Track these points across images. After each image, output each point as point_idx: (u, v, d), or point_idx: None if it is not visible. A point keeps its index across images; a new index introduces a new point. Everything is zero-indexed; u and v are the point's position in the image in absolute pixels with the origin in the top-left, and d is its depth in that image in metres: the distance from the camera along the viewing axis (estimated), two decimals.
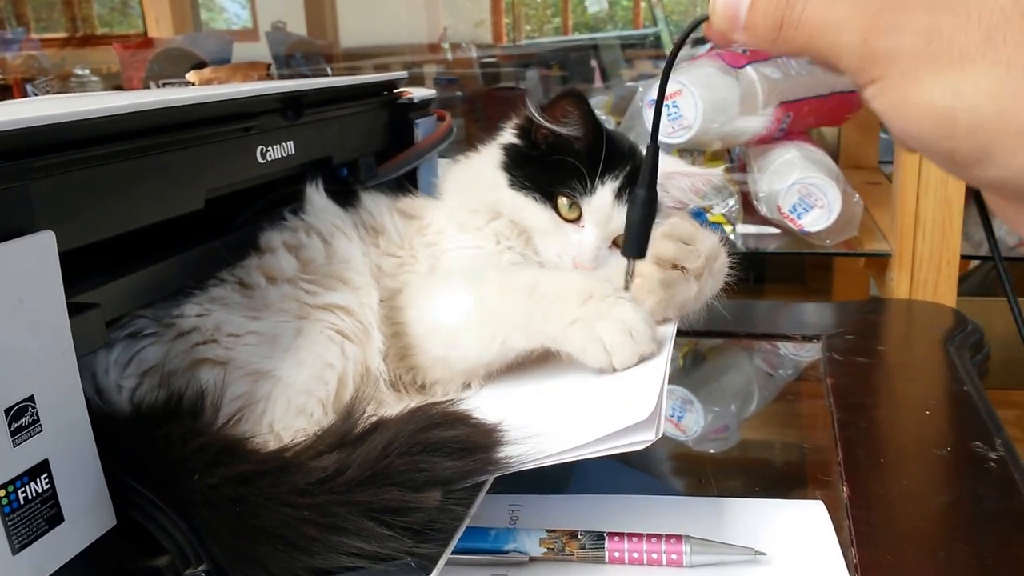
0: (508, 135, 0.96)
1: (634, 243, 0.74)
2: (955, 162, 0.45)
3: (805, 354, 1.12)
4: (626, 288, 0.77)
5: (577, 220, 0.89)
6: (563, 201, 0.89)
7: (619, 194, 0.88)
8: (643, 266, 0.80)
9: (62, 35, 3.75)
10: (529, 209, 0.90)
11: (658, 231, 0.79)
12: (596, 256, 0.88)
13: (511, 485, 0.65)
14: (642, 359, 0.73)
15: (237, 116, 0.79)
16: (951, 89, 0.43)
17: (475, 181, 0.95)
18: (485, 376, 0.82)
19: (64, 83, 2.69)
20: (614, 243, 0.90)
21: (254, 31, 3.57)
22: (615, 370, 0.73)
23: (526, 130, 0.94)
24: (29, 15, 3.78)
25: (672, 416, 1.01)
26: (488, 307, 0.79)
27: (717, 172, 0.94)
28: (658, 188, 0.87)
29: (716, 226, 1.41)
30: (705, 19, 0.53)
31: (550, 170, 0.89)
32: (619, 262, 0.85)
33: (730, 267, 0.85)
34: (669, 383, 1.07)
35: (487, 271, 0.84)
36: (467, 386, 0.83)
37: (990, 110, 0.42)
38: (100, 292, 0.64)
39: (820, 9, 0.47)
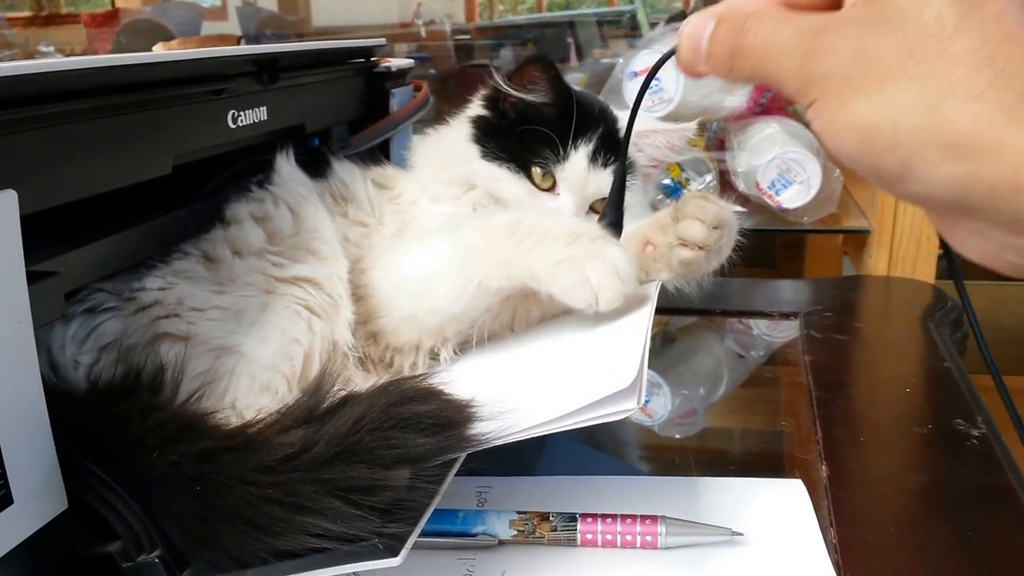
0: (476, 107, 0.95)
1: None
2: (882, 179, 0.46)
3: (782, 332, 1.11)
4: None
5: (552, 189, 0.88)
6: (536, 170, 0.87)
7: (593, 158, 0.87)
8: (663, 239, 0.80)
9: (27, 14, 3.70)
10: (503, 180, 0.88)
11: (688, 206, 0.79)
12: None
13: (479, 467, 0.63)
14: (625, 300, 0.71)
15: (209, 78, 0.77)
16: (874, 107, 0.44)
17: (447, 154, 0.93)
18: (455, 335, 0.80)
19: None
20: (591, 209, 0.89)
21: (223, 9, 3.54)
22: (598, 312, 0.71)
23: (494, 100, 0.92)
24: None
25: None
26: (464, 248, 0.77)
27: (691, 126, 0.92)
28: (632, 147, 0.88)
29: None
30: (674, 53, 0.55)
31: (521, 139, 0.88)
32: None
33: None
34: None
35: (459, 221, 0.82)
36: (435, 357, 0.81)
37: (908, 124, 0.43)
38: (60, 261, 0.61)
39: (766, 36, 0.49)
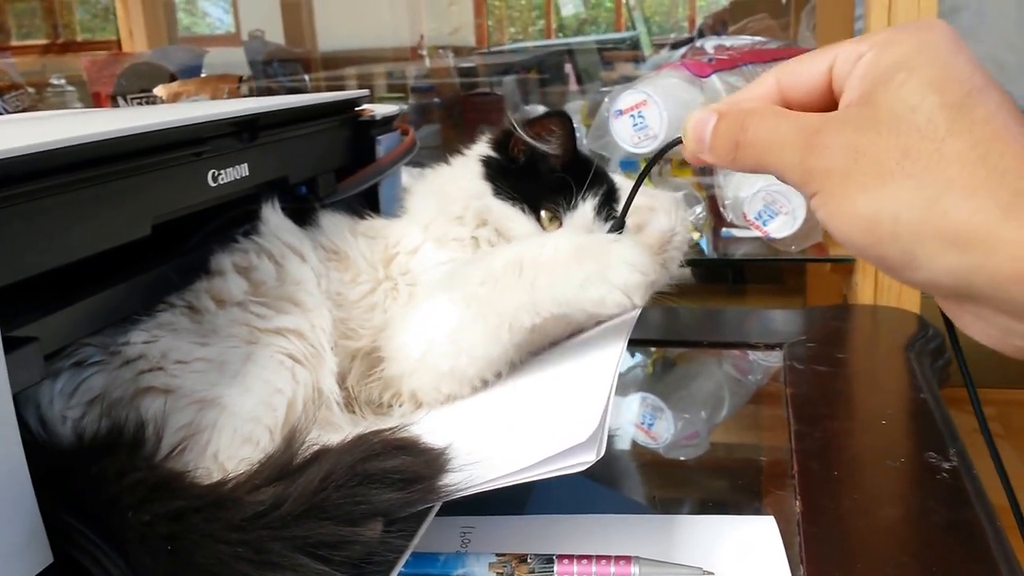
0: (483, 147, 0.97)
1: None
2: (888, 266, 0.50)
3: (767, 363, 1.13)
4: None
5: None
6: (545, 214, 0.91)
7: (598, 211, 0.91)
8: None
9: (43, 42, 3.75)
10: (516, 219, 0.91)
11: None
12: None
13: (465, 506, 0.65)
14: (654, 287, 0.79)
15: (186, 142, 0.78)
16: (874, 200, 0.48)
17: (455, 190, 0.95)
18: (494, 376, 0.82)
19: (40, 92, 2.68)
20: None
21: (237, 36, 3.59)
22: (635, 307, 0.76)
23: (503, 144, 0.95)
24: (11, 22, 3.78)
25: (643, 423, 1.01)
26: (478, 300, 0.79)
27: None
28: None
29: None
30: (679, 141, 0.61)
31: (534, 183, 0.91)
32: None
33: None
34: (639, 391, 1.08)
35: (457, 272, 0.85)
36: (419, 405, 0.83)
37: (907, 218, 0.47)
38: (39, 325, 0.62)
39: (766, 132, 0.54)
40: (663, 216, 0.88)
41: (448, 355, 0.80)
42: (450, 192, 0.95)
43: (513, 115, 0.94)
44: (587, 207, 0.90)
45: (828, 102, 0.55)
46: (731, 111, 0.57)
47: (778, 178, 0.55)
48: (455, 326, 0.80)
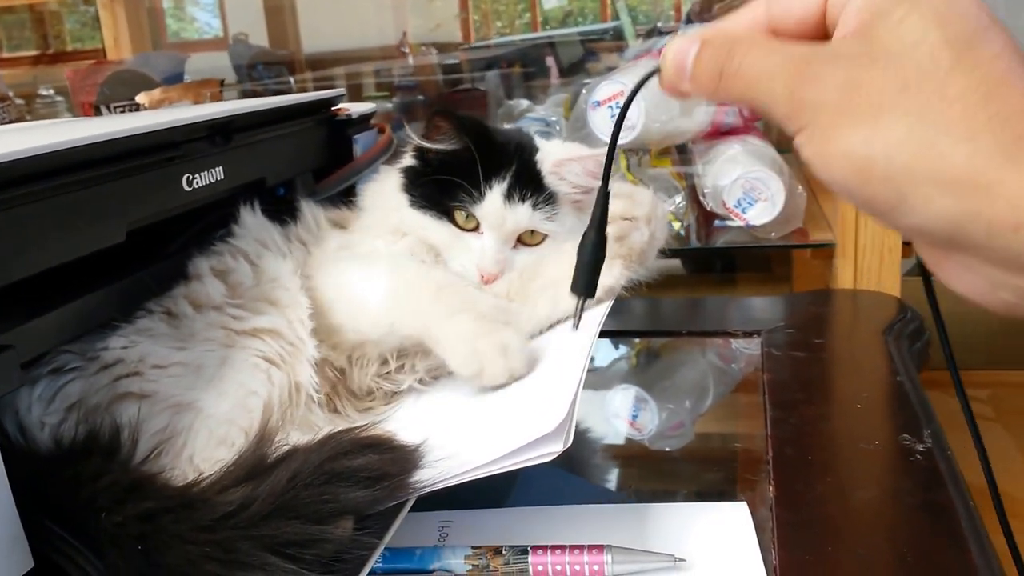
0: (408, 157, 0.97)
1: (582, 282, 0.71)
2: (875, 209, 0.47)
3: (755, 348, 1.13)
4: (575, 327, 0.74)
5: (476, 228, 0.90)
6: (459, 213, 0.90)
7: (509, 195, 0.89)
8: None
9: (33, 53, 3.75)
10: (430, 227, 0.91)
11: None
12: (498, 259, 0.89)
13: (445, 499, 0.66)
14: (512, 378, 0.76)
15: (160, 147, 0.78)
16: (867, 138, 0.45)
17: (383, 203, 0.96)
18: (384, 353, 0.85)
19: (30, 103, 2.69)
20: (520, 241, 0.91)
21: (225, 40, 3.59)
22: (484, 386, 0.76)
23: (420, 150, 0.95)
24: (0, 34, 3.79)
25: (628, 415, 1.02)
26: (395, 291, 0.82)
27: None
28: (554, 176, 0.92)
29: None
30: (658, 71, 0.56)
31: (440, 186, 0.91)
32: (525, 261, 0.90)
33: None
34: (623, 382, 1.09)
35: (407, 264, 0.88)
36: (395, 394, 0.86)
37: (902, 158, 0.44)
38: (14, 334, 0.63)
39: (756, 60, 0.51)
40: (643, 226, 0.86)
41: (345, 314, 0.85)
42: (379, 206, 0.97)
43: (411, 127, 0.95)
44: (494, 196, 0.89)
45: (820, 35, 0.52)
46: (717, 38, 0.53)
47: (763, 113, 0.52)
48: (365, 298, 0.84)
